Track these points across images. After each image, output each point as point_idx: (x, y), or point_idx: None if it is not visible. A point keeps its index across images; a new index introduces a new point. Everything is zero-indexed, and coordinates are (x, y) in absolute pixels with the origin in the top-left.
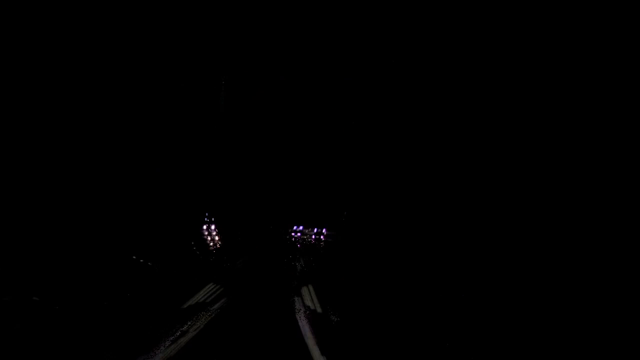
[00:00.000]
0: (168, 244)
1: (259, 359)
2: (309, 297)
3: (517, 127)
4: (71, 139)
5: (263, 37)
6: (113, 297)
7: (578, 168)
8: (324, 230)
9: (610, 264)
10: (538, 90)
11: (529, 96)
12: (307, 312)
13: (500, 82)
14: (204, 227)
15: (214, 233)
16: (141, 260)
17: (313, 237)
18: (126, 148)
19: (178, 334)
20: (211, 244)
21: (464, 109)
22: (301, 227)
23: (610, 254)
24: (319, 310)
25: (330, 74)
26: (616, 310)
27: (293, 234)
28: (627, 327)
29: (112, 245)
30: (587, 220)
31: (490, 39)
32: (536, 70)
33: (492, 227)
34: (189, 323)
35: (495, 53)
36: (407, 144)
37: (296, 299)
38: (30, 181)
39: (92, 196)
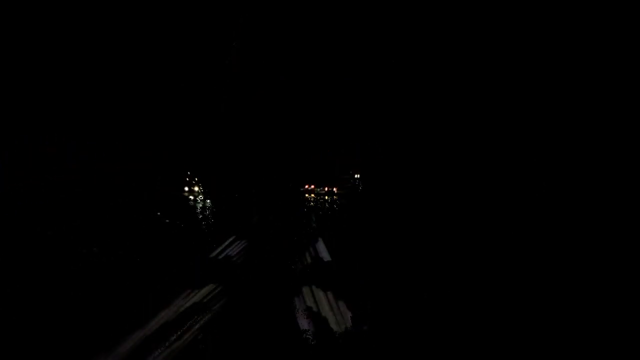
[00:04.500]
0: (161, 238)
1: (259, 359)
2: (309, 296)
3: (517, 127)
4: (76, 135)
5: (263, 37)
6: (109, 296)
7: (578, 167)
8: (334, 190)
9: (609, 264)
10: (538, 89)
11: (529, 96)
12: (308, 312)
13: (500, 82)
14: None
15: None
16: (135, 258)
17: (326, 197)
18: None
19: (178, 333)
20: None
21: (464, 107)
22: (312, 187)
23: (609, 254)
24: (320, 309)
25: (330, 74)
26: (616, 310)
27: (307, 194)
28: (628, 327)
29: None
30: (587, 219)
31: (490, 39)
32: (536, 71)
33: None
34: (189, 323)
35: (496, 53)
36: (407, 143)
37: (296, 298)
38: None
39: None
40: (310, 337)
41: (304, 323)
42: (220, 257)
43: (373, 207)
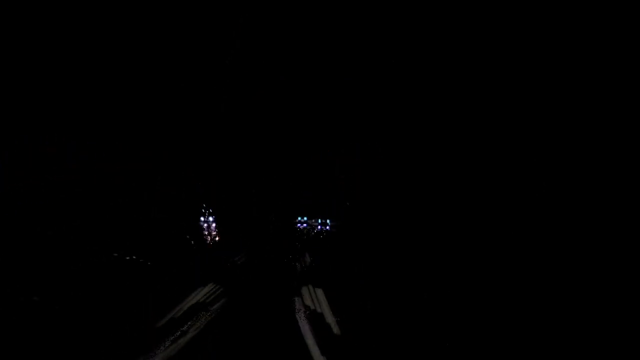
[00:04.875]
0: (162, 238)
1: (259, 359)
2: (309, 296)
3: (517, 128)
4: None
5: (263, 37)
6: (109, 297)
7: (577, 168)
8: (327, 221)
9: (609, 264)
10: (538, 90)
11: (529, 97)
12: (307, 312)
13: (500, 82)
14: (202, 218)
15: (213, 225)
16: (135, 258)
17: (319, 227)
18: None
19: (178, 334)
20: (209, 237)
21: (464, 109)
22: (305, 218)
23: (609, 254)
24: (320, 309)
25: (330, 74)
26: (616, 310)
27: (299, 225)
28: (627, 327)
29: (104, 242)
30: (587, 221)
31: (490, 39)
32: (536, 71)
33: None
34: (189, 323)
35: (496, 53)
36: (408, 144)
37: (296, 298)
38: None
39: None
40: (309, 336)
41: (304, 323)
42: (220, 257)
43: (372, 208)
